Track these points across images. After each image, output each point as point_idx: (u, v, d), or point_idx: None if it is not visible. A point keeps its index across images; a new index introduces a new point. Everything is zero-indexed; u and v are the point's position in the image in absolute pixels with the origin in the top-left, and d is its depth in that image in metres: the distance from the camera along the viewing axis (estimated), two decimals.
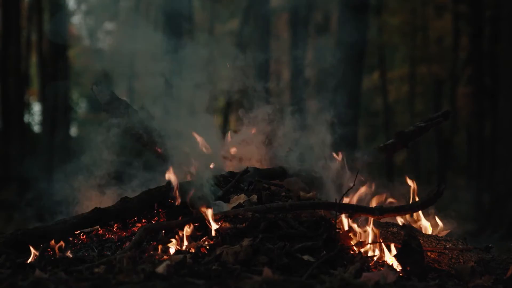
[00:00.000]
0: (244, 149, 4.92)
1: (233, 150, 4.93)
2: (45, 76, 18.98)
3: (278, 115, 4.84)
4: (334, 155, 4.73)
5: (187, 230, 3.58)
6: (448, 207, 4.52)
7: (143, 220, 4.00)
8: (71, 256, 3.45)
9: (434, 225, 4.44)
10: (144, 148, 4.91)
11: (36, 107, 22.64)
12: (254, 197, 4.02)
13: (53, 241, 3.61)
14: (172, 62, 4.79)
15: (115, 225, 3.98)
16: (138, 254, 3.23)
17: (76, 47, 22.06)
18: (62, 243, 3.63)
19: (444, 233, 4.38)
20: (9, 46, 16.57)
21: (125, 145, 4.70)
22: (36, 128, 21.52)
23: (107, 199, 4.57)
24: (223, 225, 3.57)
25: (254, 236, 3.37)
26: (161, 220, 3.96)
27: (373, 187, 4.51)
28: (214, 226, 3.58)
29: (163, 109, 4.69)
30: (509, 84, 13.05)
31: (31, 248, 3.52)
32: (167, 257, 3.19)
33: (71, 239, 3.89)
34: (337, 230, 3.60)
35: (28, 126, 20.13)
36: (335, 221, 3.65)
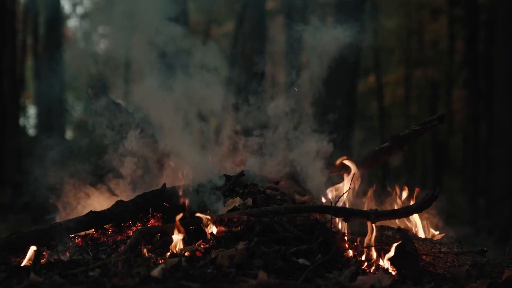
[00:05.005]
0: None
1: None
2: (40, 79, 18.91)
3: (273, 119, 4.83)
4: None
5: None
6: (443, 210, 4.52)
7: (138, 224, 3.99)
8: (66, 259, 3.45)
9: (429, 228, 4.45)
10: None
11: (32, 110, 22.55)
12: (249, 201, 4.02)
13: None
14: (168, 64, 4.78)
15: (110, 228, 3.98)
16: (133, 257, 3.22)
17: (72, 50, 22.01)
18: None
19: (439, 236, 4.38)
20: (5, 49, 16.53)
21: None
22: (31, 131, 21.45)
23: (103, 201, 4.56)
24: (218, 228, 3.57)
25: (249, 239, 3.37)
26: (156, 224, 3.96)
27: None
28: (209, 229, 3.57)
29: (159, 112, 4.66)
30: (504, 87, 13.08)
31: (27, 252, 3.51)
32: (162, 261, 3.19)
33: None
34: (332, 234, 3.60)
35: (23, 129, 20.06)
36: (331, 224, 3.65)
